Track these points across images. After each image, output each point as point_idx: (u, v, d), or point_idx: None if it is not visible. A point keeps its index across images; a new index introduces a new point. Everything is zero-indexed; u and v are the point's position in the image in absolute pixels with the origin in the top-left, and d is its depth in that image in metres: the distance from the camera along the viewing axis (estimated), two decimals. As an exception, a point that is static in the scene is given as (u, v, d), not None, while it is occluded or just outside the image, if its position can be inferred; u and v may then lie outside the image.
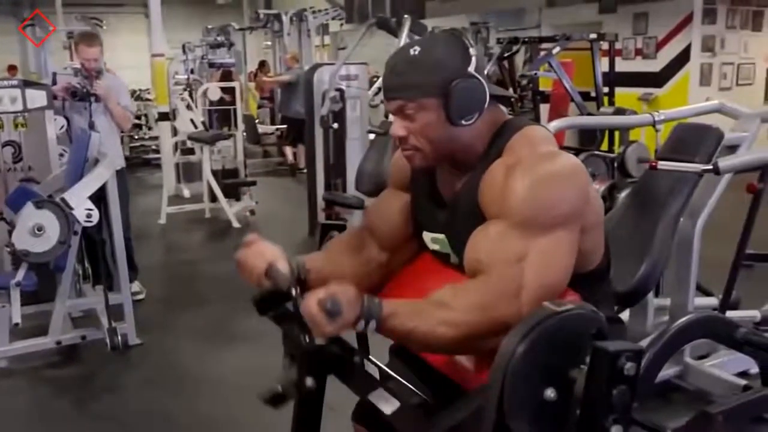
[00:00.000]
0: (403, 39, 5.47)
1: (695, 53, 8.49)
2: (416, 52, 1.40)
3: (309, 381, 1.48)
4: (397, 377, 1.51)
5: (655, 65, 8.79)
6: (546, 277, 1.30)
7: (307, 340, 1.37)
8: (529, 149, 1.39)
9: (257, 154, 10.42)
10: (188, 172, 7.92)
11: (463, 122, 1.40)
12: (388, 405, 1.34)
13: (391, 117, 1.52)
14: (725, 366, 3.13)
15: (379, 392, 1.38)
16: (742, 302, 3.54)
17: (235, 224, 6.60)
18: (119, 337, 3.68)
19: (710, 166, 2.55)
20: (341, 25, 12.34)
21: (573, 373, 1.14)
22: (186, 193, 7.79)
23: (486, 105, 1.41)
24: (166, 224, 6.73)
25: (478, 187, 1.42)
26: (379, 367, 1.65)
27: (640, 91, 8.69)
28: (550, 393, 1.12)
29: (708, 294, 3.53)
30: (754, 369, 3.07)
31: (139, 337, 3.88)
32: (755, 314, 3.40)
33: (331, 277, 1.61)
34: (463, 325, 1.28)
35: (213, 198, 6.88)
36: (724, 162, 2.55)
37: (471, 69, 1.39)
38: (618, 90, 7.64)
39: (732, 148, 3.13)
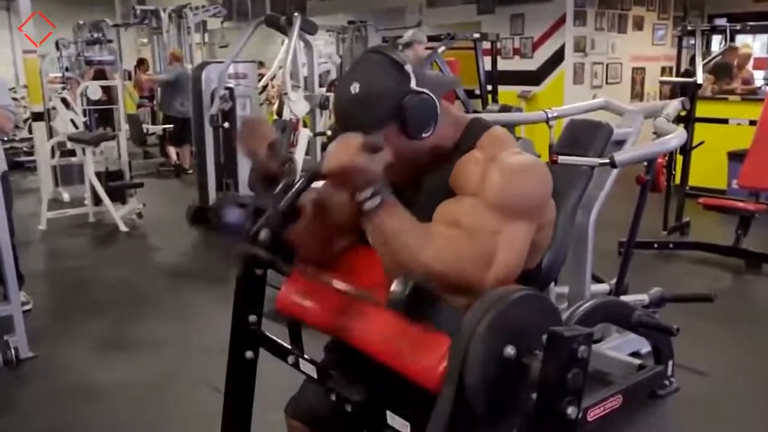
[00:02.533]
0: (294, 37, 5.46)
1: (569, 53, 8.92)
2: (356, 90, 1.44)
3: (263, 234, 1.45)
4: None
5: (532, 64, 9.17)
6: (511, 259, 1.37)
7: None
8: (500, 147, 1.48)
9: (138, 155, 10.06)
10: (67, 175, 7.55)
11: (424, 135, 1.46)
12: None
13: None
14: (620, 348, 3.34)
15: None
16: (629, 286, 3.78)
17: (123, 228, 6.36)
18: (12, 351, 3.47)
19: (607, 160, 2.71)
20: (222, 22, 12.11)
21: (526, 359, 1.21)
22: (65, 196, 7.44)
23: (439, 112, 1.46)
24: (47, 230, 6.39)
25: (448, 172, 1.49)
26: (316, 365, 1.67)
27: (519, 89, 9.05)
28: (510, 350, 1.18)
29: (600, 281, 3.75)
30: (645, 349, 3.31)
31: (32, 350, 3.67)
32: (644, 297, 3.63)
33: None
34: (440, 263, 1.33)
35: (97, 201, 6.60)
36: (620, 156, 2.72)
37: (413, 85, 1.44)
38: (499, 88, 7.95)
39: (619, 143, 3.33)
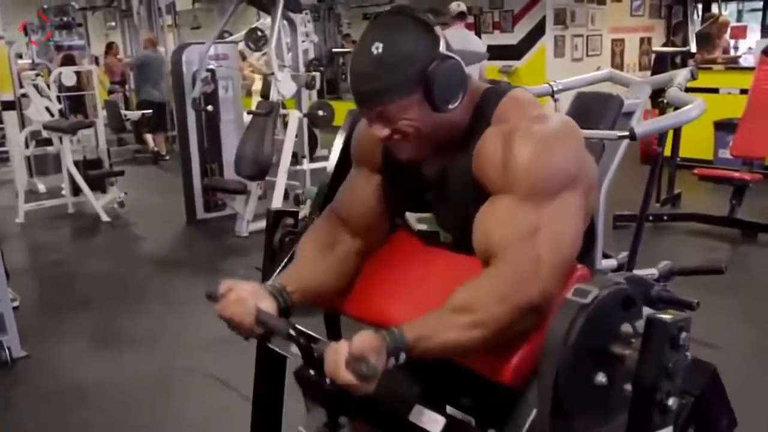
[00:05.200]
0: (278, 17, 5.30)
1: (549, 26, 8.82)
2: (379, 50, 1.26)
3: (342, 419, 1.37)
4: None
5: (512, 38, 9.06)
6: (562, 245, 1.26)
7: (329, 382, 1.22)
8: (519, 114, 1.33)
9: (112, 143, 9.79)
10: (42, 165, 7.32)
11: (450, 107, 1.30)
12: (434, 423, 1.25)
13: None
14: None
15: (418, 409, 1.29)
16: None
17: (104, 218, 6.17)
18: (6, 351, 3.33)
19: (626, 133, 2.63)
20: (193, 3, 11.83)
21: (617, 349, 1.12)
22: (41, 187, 7.24)
23: (468, 82, 1.33)
24: (25, 223, 6.18)
25: (470, 161, 1.35)
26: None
27: (501, 63, 8.94)
28: (601, 378, 1.10)
29: (606, 256, 3.68)
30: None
31: (24, 349, 3.53)
32: (653, 271, 3.57)
33: (314, 288, 1.50)
34: (492, 321, 1.21)
35: (75, 191, 6.40)
36: (640, 128, 2.64)
37: (442, 49, 1.28)
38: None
39: (628, 115, 3.26)
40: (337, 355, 1.17)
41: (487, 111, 1.37)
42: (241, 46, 7.68)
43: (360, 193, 1.56)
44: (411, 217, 1.52)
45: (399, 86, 1.27)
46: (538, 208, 1.25)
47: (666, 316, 1.07)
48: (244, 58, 8.45)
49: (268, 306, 1.41)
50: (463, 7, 6.11)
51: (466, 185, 1.36)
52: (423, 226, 1.51)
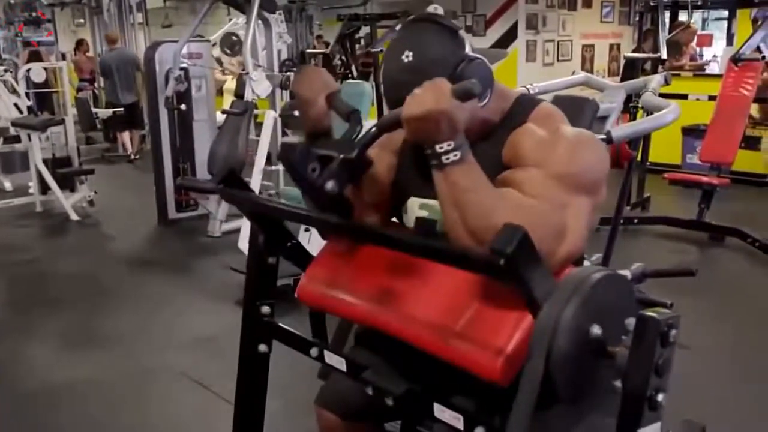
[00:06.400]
0: (253, 16, 5.28)
1: (521, 31, 8.89)
2: (410, 58, 1.37)
3: (330, 184, 1.35)
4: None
5: (485, 42, 9.09)
6: (579, 234, 1.31)
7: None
8: (556, 121, 1.42)
9: (81, 140, 9.65)
10: (8, 163, 7.16)
11: (480, 103, 1.39)
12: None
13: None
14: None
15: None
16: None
17: (74, 217, 6.09)
18: (-25, 351, 3.27)
19: (604, 136, 2.67)
20: (164, 1, 11.71)
21: (611, 344, 1.14)
22: (7, 185, 7.11)
23: (494, 79, 1.41)
24: (-8, 221, 6.08)
25: (499, 149, 1.42)
26: (345, 356, 1.57)
27: (472, 67, 8.96)
28: (590, 373, 1.11)
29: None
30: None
31: (-7, 348, 3.48)
32: (626, 273, 3.63)
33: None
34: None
35: (44, 190, 6.29)
36: (617, 132, 2.69)
37: (468, 51, 1.38)
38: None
39: (602, 119, 3.31)
40: (436, 85, 1.23)
41: (521, 113, 1.45)
42: (217, 52, 7.66)
43: (375, 166, 1.55)
44: (414, 203, 1.54)
45: None
46: (568, 192, 1.32)
47: (656, 314, 1.09)
48: (221, 64, 8.40)
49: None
50: (440, 11, 6.12)
51: (490, 164, 1.39)
52: (424, 213, 1.53)
